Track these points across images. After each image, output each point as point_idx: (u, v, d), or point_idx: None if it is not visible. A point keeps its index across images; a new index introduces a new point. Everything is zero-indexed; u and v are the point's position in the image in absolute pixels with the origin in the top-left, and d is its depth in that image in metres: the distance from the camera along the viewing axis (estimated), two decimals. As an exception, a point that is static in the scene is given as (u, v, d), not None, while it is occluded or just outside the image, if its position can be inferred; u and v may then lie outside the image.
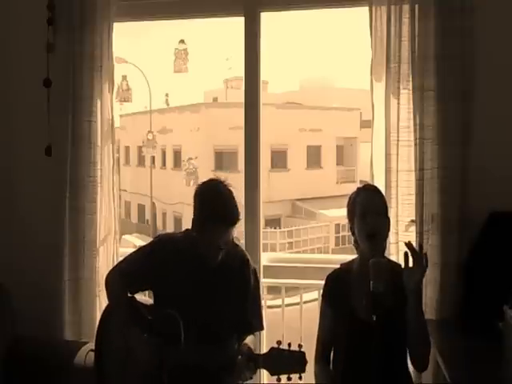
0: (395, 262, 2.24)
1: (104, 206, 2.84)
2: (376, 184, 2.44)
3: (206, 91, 21.73)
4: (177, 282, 2.14)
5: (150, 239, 2.49)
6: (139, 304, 2.19)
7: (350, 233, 2.18)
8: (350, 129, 19.04)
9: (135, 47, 19.66)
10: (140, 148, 17.62)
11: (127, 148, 20.61)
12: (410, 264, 1.94)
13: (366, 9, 2.55)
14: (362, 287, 1.98)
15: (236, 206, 2.12)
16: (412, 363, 2.08)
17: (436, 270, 2.42)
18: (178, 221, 17.55)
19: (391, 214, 2.35)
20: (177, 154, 18.51)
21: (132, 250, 2.39)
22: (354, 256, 2.18)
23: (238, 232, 2.38)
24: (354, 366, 2.05)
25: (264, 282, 2.88)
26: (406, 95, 2.50)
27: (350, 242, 2.25)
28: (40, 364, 2.51)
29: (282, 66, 35.22)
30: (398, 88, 2.50)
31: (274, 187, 16.35)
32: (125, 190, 17.40)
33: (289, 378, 1.87)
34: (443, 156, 2.44)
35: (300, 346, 1.87)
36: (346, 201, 2.18)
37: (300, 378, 1.89)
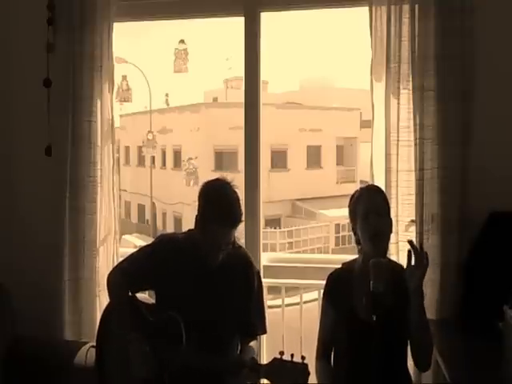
0: (396, 262, 2.24)
1: (104, 205, 2.84)
2: (376, 184, 2.44)
3: (205, 91, 21.74)
4: (178, 282, 2.13)
5: (150, 239, 2.49)
6: (140, 303, 2.19)
7: (350, 233, 2.18)
8: (350, 129, 19.04)
9: (135, 47, 19.72)
10: (140, 148, 17.62)
11: (127, 148, 20.61)
12: (412, 263, 1.94)
13: (366, 9, 2.55)
14: (363, 287, 1.97)
15: (240, 207, 2.12)
16: (414, 363, 2.08)
17: (436, 269, 2.42)
18: (177, 221, 17.55)
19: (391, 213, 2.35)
20: (177, 154, 18.51)
21: (132, 249, 2.40)
22: (355, 256, 2.18)
23: (238, 232, 2.38)
24: (354, 366, 2.05)
25: (264, 282, 2.87)
26: (406, 95, 2.50)
27: (350, 242, 2.26)
28: (40, 364, 2.51)
29: (282, 66, 35.30)
30: (398, 88, 2.50)
31: (274, 187, 16.34)
32: (125, 190, 17.40)
33: None
34: (443, 156, 2.44)
35: (303, 357, 1.86)
36: (346, 201, 2.18)
37: None
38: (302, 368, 1.84)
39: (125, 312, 2.12)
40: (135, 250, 2.38)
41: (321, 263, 3.12)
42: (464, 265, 2.36)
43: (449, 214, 2.43)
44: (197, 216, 2.15)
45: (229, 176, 2.21)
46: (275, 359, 1.89)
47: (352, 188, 2.28)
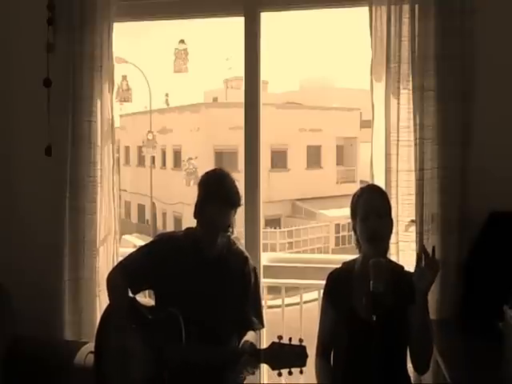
0: (395, 263, 2.24)
1: (104, 205, 2.84)
2: (377, 184, 2.44)
3: (206, 91, 21.74)
4: (177, 279, 2.15)
5: (149, 239, 2.50)
6: (140, 304, 2.20)
7: (350, 232, 2.18)
8: (350, 129, 19.04)
9: (135, 47, 19.70)
10: (140, 148, 17.62)
11: (127, 148, 20.61)
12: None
13: (366, 9, 2.55)
14: (363, 287, 1.97)
15: (237, 191, 2.19)
16: (413, 365, 2.08)
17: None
18: (177, 221, 17.55)
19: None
20: (177, 154, 18.51)
21: (132, 249, 2.40)
22: (355, 256, 2.18)
23: (238, 232, 2.39)
24: (353, 366, 2.05)
25: (264, 281, 2.89)
26: (406, 95, 2.50)
27: (350, 242, 2.27)
28: (40, 364, 2.51)
29: (282, 66, 35.29)
30: (398, 88, 2.50)
31: (274, 187, 16.35)
32: (125, 190, 17.40)
33: (290, 373, 1.88)
34: (443, 156, 2.44)
35: (301, 340, 1.88)
36: (346, 201, 2.19)
37: (301, 372, 1.90)
38: (301, 350, 1.87)
39: (124, 311, 2.13)
40: (135, 249, 2.39)
41: (321, 263, 3.12)
42: (464, 265, 2.36)
43: (449, 213, 2.43)
44: (196, 203, 2.20)
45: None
46: (273, 343, 1.91)
47: (352, 188, 2.29)
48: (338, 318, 2.11)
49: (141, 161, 19.66)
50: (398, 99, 2.50)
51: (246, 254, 2.31)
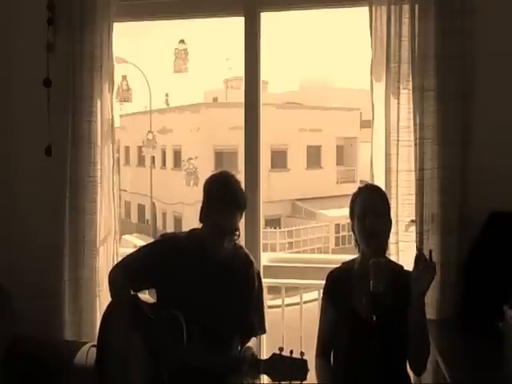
0: (395, 263, 2.24)
1: (104, 205, 2.84)
2: (376, 183, 2.44)
3: (205, 91, 21.74)
4: (179, 281, 2.14)
5: (150, 239, 2.50)
6: (142, 302, 2.19)
7: (350, 232, 2.18)
8: (350, 129, 19.04)
9: (135, 47, 19.73)
10: (140, 148, 17.62)
11: (127, 148, 20.61)
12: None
13: (366, 9, 2.55)
14: (363, 287, 1.98)
15: (243, 194, 2.18)
16: (410, 366, 2.08)
17: (436, 269, 2.41)
18: (178, 221, 17.56)
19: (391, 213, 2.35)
20: (177, 154, 18.51)
21: (132, 249, 2.40)
22: (355, 256, 2.18)
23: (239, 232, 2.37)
24: (353, 366, 2.05)
25: (264, 282, 2.87)
26: (406, 95, 2.50)
27: (350, 242, 2.27)
28: (40, 364, 2.51)
29: (282, 66, 35.30)
30: (398, 88, 2.50)
31: (274, 187, 16.34)
32: (125, 190, 17.40)
33: None
34: (443, 156, 2.44)
35: (302, 353, 1.87)
36: (346, 201, 2.19)
37: None
38: (301, 364, 1.86)
39: (126, 309, 2.13)
40: (137, 248, 2.39)
41: (321, 263, 3.11)
42: (464, 265, 2.36)
43: (449, 214, 2.43)
44: (201, 207, 2.19)
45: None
46: (274, 355, 1.91)
47: (352, 188, 2.29)
48: (338, 317, 2.11)
49: (141, 161, 19.66)
50: (398, 99, 2.50)
51: (252, 258, 2.29)
